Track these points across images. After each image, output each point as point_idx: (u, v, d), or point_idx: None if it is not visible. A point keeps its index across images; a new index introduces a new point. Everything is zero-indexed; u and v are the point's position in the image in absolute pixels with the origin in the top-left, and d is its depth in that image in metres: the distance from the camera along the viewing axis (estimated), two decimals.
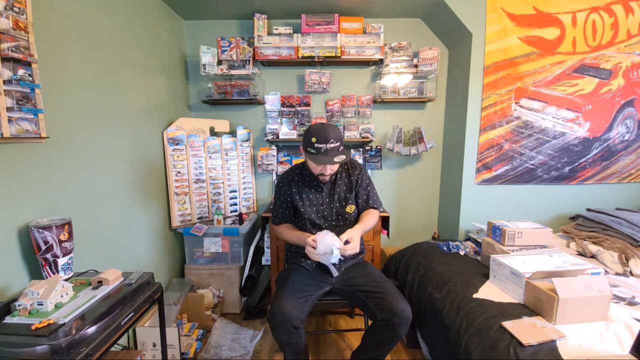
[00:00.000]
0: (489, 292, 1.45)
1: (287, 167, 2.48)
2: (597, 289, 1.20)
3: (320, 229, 1.53)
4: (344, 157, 1.38)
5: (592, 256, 1.79)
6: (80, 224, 1.31)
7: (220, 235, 2.16)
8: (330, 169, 1.46)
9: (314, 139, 1.37)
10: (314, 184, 1.55)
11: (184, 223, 2.17)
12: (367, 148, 2.51)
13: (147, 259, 1.90)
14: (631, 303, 1.35)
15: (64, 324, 0.88)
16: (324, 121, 2.40)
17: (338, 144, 1.39)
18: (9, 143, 1.05)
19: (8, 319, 0.89)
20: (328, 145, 1.36)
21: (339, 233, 1.42)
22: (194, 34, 2.42)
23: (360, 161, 2.50)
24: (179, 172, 2.13)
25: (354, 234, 1.40)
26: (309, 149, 1.40)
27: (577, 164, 2.31)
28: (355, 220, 1.58)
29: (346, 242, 1.37)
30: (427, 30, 2.44)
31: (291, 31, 2.26)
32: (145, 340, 1.65)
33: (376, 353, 1.46)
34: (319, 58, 2.26)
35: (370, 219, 1.56)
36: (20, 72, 1.03)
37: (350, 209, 1.57)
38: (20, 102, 1.03)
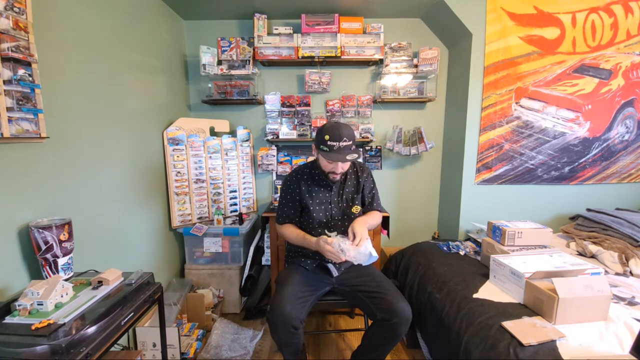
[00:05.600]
0: (489, 292, 1.45)
1: (287, 167, 2.48)
2: (597, 289, 1.20)
3: (327, 227, 1.53)
4: (356, 155, 1.39)
5: (592, 256, 1.79)
6: (80, 224, 1.31)
7: (220, 235, 2.16)
8: (342, 168, 1.46)
9: (327, 137, 1.37)
10: (323, 183, 1.55)
11: (184, 223, 2.17)
12: (367, 148, 2.52)
13: (147, 259, 1.90)
14: (631, 303, 1.35)
15: (64, 324, 0.87)
16: (325, 121, 2.41)
17: (350, 142, 1.39)
18: (9, 143, 1.05)
19: (8, 319, 0.89)
20: (341, 144, 1.37)
21: (343, 233, 1.45)
22: (194, 34, 2.42)
23: (360, 161, 2.50)
24: (179, 172, 2.13)
25: (362, 231, 1.34)
26: (321, 146, 1.40)
27: (577, 164, 2.31)
28: None
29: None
30: (427, 30, 2.43)
31: (291, 31, 2.26)
32: (145, 340, 1.65)
33: (376, 353, 1.46)
34: (319, 58, 2.26)
35: (375, 217, 1.57)
36: (20, 72, 1.03)
37: (356, 209, 1.57)
38: (20, 102, 1.03)
